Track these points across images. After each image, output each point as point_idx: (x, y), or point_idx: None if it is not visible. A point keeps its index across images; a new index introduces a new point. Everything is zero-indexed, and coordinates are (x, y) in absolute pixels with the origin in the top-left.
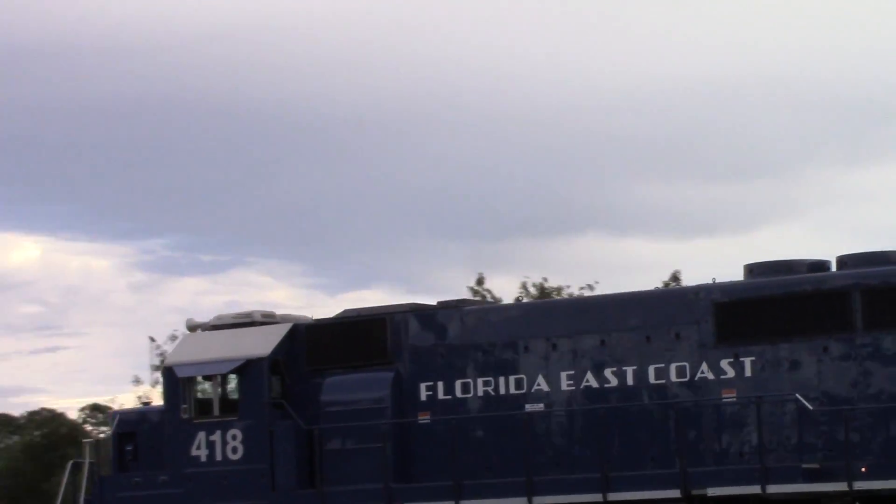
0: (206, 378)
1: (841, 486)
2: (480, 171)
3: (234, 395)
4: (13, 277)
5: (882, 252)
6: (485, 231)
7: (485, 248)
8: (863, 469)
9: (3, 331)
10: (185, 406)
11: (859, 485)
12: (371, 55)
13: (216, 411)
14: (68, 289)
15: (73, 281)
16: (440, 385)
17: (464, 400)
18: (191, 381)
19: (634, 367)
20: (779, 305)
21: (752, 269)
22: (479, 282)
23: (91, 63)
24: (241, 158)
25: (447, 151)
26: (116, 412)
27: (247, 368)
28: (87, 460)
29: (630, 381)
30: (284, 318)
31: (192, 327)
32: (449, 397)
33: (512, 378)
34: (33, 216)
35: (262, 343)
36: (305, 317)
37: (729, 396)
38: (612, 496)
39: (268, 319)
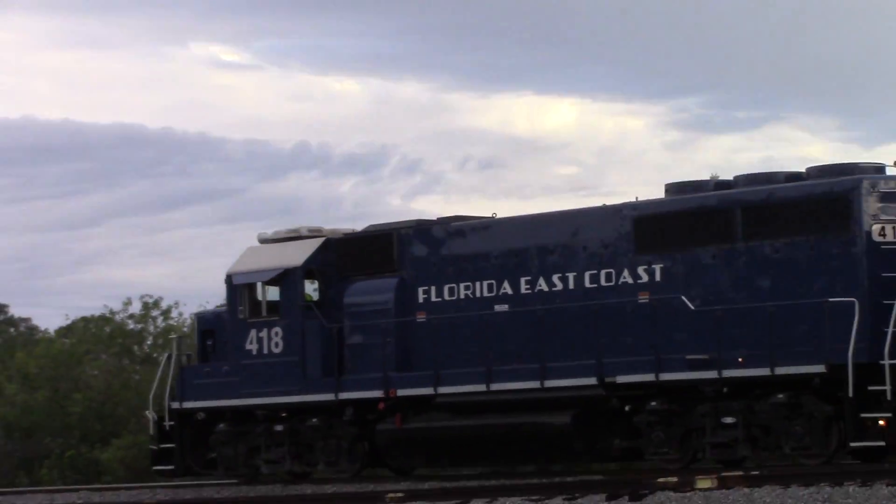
0: (269, 283)
1: (712, 374)
2: None
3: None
4: (550, 140)
5: (766, 173)
6: None
7: None
8: (740, 360)
9: (541, 192)
10: (241, 308)
11: (727, 373)
12: None
13: (263, 312)
14: (604, 149)
15: (609, 141)
16: (433, 289)
17: (450, 302)
18: (246, 286)
19: (574, 273)
20: (681, 220)
21: (668, 189)
22: None
23: None
24: (775, 9)
25: None
26: (197, 314)
27: (285, 276)
28: (174, 353)
29: (571, 286)
30: (332, 233)
31: (263, 240)
32: (439, 300)
33: (485, 283)
34: (570, 78)
35: (298, 254)
36: (342, 230)
37: (643, 298)
38: (548, 383)
39: (313, 234)
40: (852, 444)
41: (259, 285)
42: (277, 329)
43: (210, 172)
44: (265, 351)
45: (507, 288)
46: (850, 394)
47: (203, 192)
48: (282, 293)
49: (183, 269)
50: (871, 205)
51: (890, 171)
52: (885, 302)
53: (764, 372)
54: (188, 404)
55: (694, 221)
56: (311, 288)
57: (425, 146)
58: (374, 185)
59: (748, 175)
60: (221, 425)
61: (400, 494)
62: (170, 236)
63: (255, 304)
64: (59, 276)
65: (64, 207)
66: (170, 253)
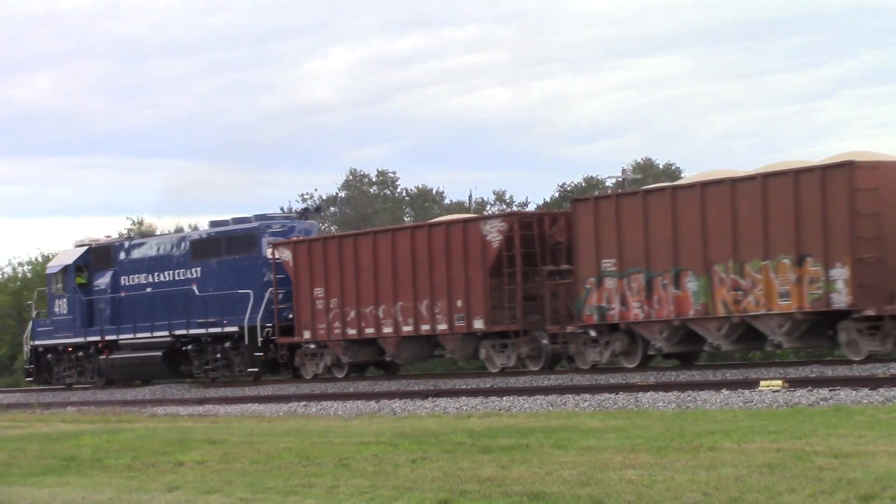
0: (58, 273)
1: (204, 331)
2: None
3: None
4: None
5: (244, 217)
6: None
7: None
8: (224, 322)
9: None
10: (52, 287)
11: (211, 330)
12: None
13: (60, 290)
14: None
15: None
16: (127, 278)
17: (132, 286)
18: (52, 274)
19: (171, 271)
20: (206, 243)
21: (208, 224)
22: None
23: None
24: None
25: None
26: (42, 289)
27: (66, 269)
28: (33, 309)
29: (170, 279)
30: (107, 243)
31: (76, 245)
32: (129, 284)
33: (142, 275)
34: None
35: (72, 256)
36: (103, 239)
37: (193, 288)
38: (154, 335)
39: (91, 243)
40: (248, 370)
41: (57, 273)
42: (65, 300)
43: None
44: (61, 312)
45: (150, 279)
46: (247, 342)
47: None
48: (65, 279)
49: None
50: (266, 238)
51: (309, 216)
52: (269, 293)
53: (220, 330)
54: (36, 342)
55: (210, 244)
56: (81, 276)
57: None
58: None
59: (236, 217)
60: (50, 355)
61: None
62: None
63: (57, 285)
64: (791, 150)
65: (796, 80)
66: None
